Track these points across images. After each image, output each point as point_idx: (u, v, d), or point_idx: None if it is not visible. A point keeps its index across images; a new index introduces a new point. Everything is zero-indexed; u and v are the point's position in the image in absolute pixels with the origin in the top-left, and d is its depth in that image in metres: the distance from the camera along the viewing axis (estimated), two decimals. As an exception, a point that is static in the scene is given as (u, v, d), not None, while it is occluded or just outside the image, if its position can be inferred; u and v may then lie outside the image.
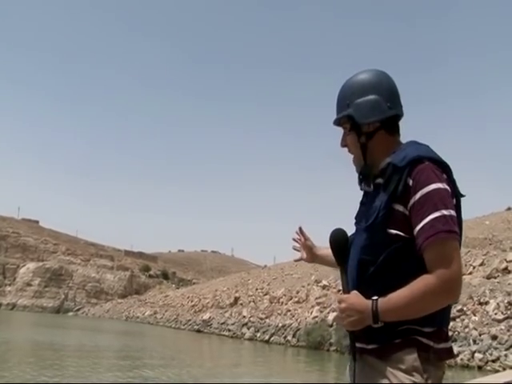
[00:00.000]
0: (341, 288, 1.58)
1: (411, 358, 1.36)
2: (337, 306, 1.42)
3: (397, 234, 1.40)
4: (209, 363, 17.43)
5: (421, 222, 1.35)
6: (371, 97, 1.52)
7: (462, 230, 1.43)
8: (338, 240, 1.48)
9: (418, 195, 1.37)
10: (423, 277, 1.33)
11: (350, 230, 1.63)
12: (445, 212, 1.35)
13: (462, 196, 1.48)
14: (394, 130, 1.57)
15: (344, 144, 1.62)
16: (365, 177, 1.58)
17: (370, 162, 1.54)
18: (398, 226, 1.40)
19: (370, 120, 1.52)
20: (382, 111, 1.51)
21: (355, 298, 1.41)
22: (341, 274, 1.49)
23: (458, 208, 1.44)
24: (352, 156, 1.61)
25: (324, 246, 1.84)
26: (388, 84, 1.57)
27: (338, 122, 1.62)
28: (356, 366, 1.47)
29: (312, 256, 1.92)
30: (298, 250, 1.97)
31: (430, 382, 1.37)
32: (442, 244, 1.33)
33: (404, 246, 1.39)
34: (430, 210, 1.34)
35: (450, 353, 1.45)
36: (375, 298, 1.37)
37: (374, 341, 1.42)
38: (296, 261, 2.02)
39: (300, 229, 1.92)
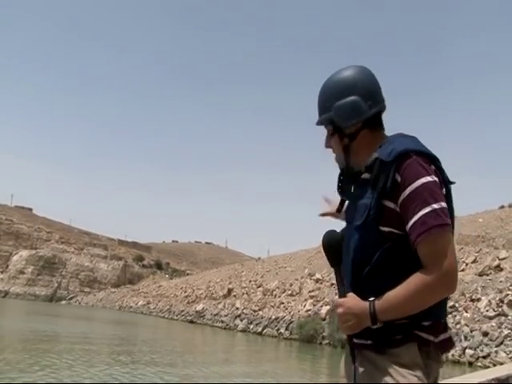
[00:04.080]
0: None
1: (412, 354, 1.35)
2: (335, 312, 1.39)
3: (390, 232, 1.37)
4: (203, 355, 17.50)
5: (412, 218, 1.32)
6: (351, 98, 1.48)
7: (453, 218, 1.42)
8: (331, 243, 1.44)
9: (407, 191, 1.33)
10: (418, 273, 1.31)
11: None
12: (435, 206, 1.32)
13: (452, 183, 1.45)
14: (378, 126, 1.54)
15: (328, 145, 1.60)
16: (348, 176, 1.55)
17: (355, 162, 1.52)
18: (391, 223, 1.37)
19: (350, 123, 1.49)
20: (362, 112, 1.48)
21: (352, 301, 1.37)
22: (336, 276, 1.45)
23: (448, 196, 1.41)
24: (335, 156, 1.60)
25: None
26: (368, 82, 1.52)
27: (320, 124, 1.60)
28: (356, 362, 1.43)
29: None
30: (326, 215, 1.89)
31: (431, 376, 1.38)
32: (435, 239, 1.30)
33: (398, 242, 1.36)
34: (421, 205, 1.31)
35: (450, 342, 1.45)
36: (372, 299, 1.34)
37: (372, 336, 1.38)
38: (323, 215, 1.89)
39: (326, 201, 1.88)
